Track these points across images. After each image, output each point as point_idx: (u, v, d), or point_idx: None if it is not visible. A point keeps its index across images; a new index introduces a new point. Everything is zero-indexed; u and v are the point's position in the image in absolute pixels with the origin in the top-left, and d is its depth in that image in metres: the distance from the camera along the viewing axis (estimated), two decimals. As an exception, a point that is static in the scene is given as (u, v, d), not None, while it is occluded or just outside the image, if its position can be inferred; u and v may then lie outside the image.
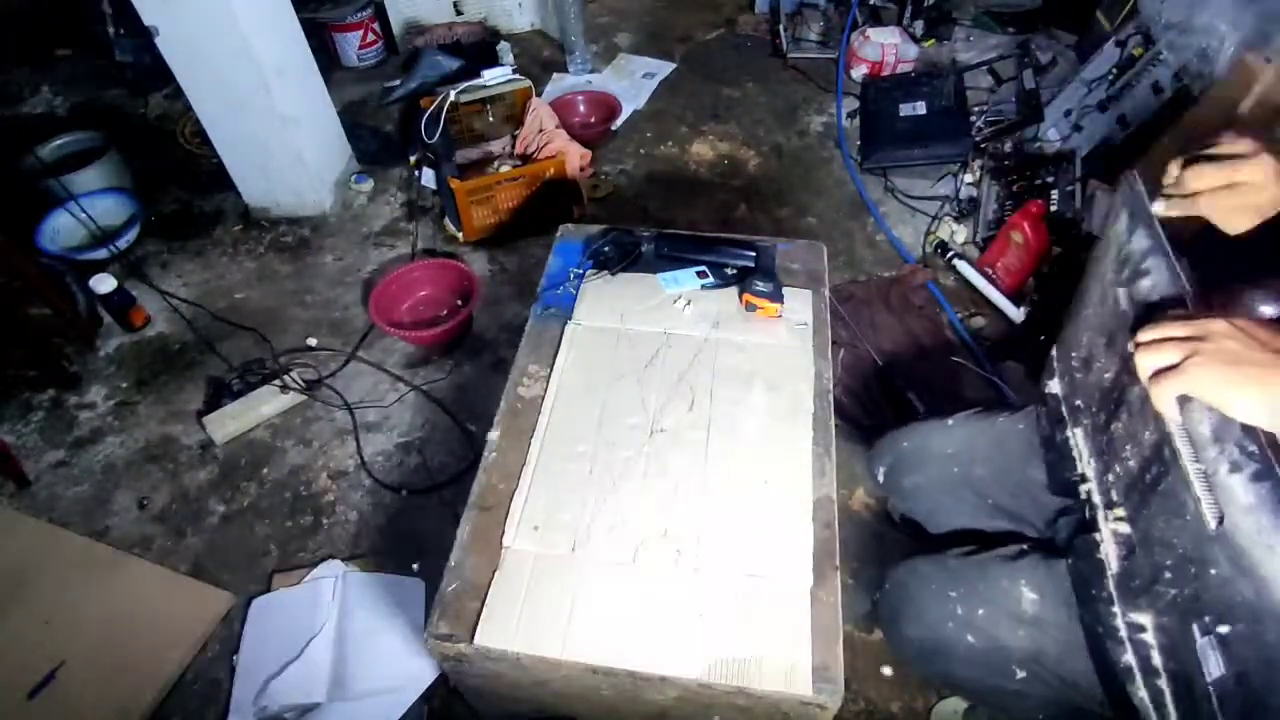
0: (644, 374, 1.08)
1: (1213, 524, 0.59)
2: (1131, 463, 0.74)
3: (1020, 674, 0.88)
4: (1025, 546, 0.95)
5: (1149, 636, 0.72)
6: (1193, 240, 0.76)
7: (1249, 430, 0.58)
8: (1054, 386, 0.94)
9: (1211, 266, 0.74)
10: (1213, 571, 0.60)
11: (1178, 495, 0.64)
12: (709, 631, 0.84)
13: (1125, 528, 0.76)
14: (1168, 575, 0.67)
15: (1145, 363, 0.64)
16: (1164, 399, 0.63)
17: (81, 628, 1.31)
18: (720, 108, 2.46)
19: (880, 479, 1.19)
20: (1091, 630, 0.81)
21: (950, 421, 1.11)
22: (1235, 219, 0.73)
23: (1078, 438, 0.87)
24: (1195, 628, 0.63)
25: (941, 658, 0.93)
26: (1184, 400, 0.63)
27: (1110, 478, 0.79)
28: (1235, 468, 0.58)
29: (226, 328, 1.84)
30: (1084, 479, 0.84)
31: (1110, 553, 0.78)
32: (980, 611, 0.90)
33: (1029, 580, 0.90)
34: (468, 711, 1.21)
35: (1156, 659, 0.71)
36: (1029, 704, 0.92)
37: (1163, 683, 0.70)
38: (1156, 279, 0.71)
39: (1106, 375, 0.80)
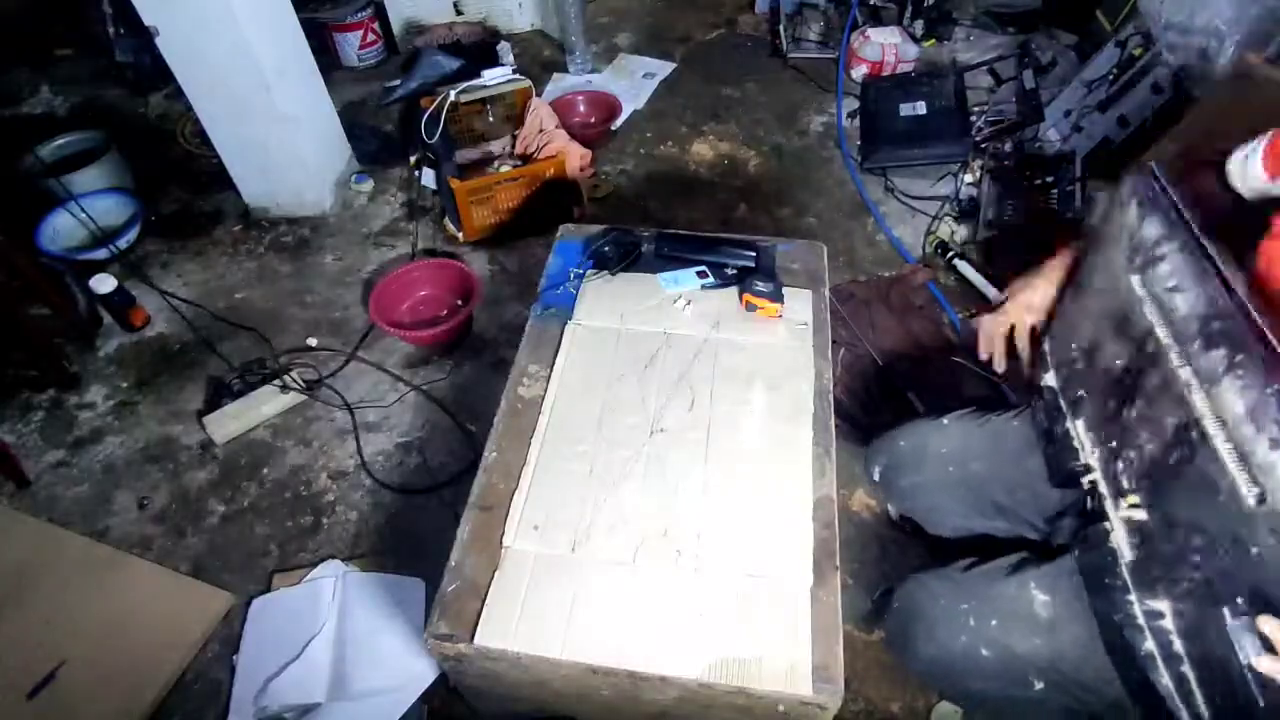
0: (644, 374, 1.08)
1: (1252, 502, 0.59)
2: (1149, 448, 0.73)
3: (1039, 684, 0.87)
4: (1027, 554, 0.95)
5: (1168, 623, 0.72)
6: None
7: None
8: (1049, 380, 0.94)
9: None
10: (1253, 550, 0.60)
11: (1208, 476, 0.64)
12: (709, 631, 0.84)
13: (1139, 514, 0.75)
14: (1195, 558, 0.67)
15: None
16: None
17: (81, 628, 1.31)
18: (720, 108, 2.45)
19: (876, 479, 1.18)
20: (1107, 621, 0.80)
21: (945, 420, 1.11)
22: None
23: (1079, 429, 0.87)
24: (1225, 610, 0.63)
25: (957, 674, 0.92)
26: (1210, 386, 0.62)
27: (1120, 465, 0.78)
28: (1276, 444, 0.58)
29: (226, 328, 1.84)
30: (1087, 469, 0.84)
31: (1122, 541, 0.78)
32: (993, 623, 0.89)
33: (1039, 583, 0.89)
34: (468, 711, 1.21)
35: (1178, 645, 0.71)
36: (1047, 714, 0.91)
37: (1186, 668, 0.70)
38: (1173, 265, 0.71)
39: (1118, 362, 0.79)
